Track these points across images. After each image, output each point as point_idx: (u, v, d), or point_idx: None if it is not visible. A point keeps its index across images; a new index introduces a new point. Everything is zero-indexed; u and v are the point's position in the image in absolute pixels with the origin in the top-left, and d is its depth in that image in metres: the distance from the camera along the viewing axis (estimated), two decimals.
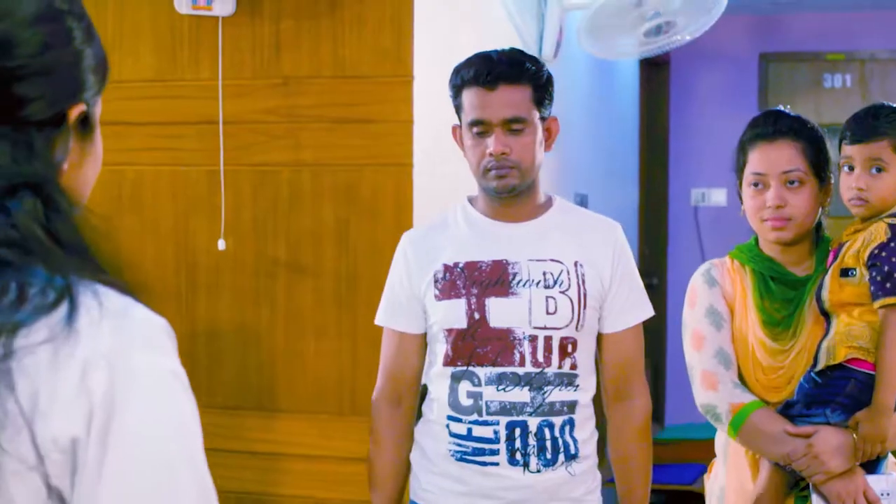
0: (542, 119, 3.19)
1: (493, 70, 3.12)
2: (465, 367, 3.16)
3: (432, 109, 4.15)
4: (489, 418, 3.14)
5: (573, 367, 3.16)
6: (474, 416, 3.16)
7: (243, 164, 4.29)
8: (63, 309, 1.33)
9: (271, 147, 4.27)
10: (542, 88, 3.17)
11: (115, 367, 1.33)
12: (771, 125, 3.22)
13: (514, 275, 3.15)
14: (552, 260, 3.18)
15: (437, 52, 4.26)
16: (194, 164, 4.35)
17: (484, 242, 3.21)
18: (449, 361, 3.18)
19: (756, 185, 3.22)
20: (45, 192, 1.39)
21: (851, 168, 3.14)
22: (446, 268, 3.20)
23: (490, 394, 3.13)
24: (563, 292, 3.15)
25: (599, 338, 3.27)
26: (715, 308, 3.27)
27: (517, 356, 3.12)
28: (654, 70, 8.79)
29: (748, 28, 8.86)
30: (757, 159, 3.22)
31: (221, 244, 4.25)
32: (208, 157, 4.31)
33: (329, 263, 4.22)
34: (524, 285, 3.15)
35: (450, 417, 3.20)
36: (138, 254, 4.40)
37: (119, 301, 1.40)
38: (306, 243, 4.25)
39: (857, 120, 3.15)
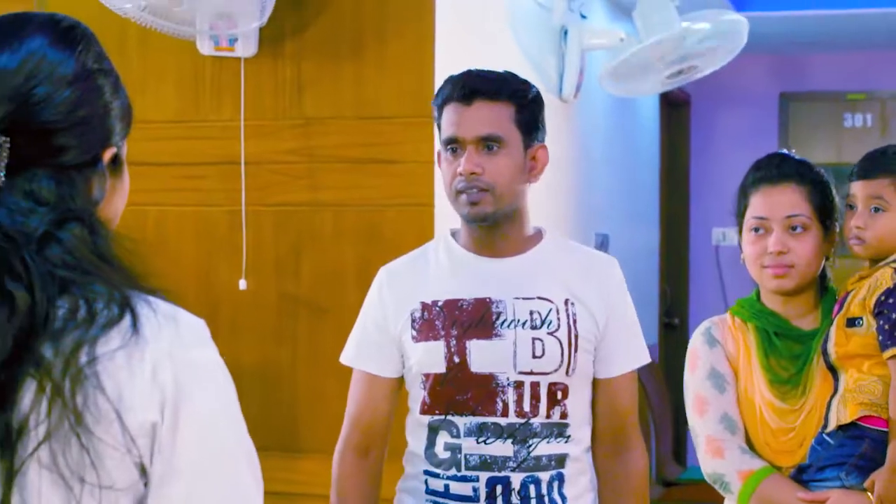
0: (528, 145, 2.90)
1: (468, 84, 2.88)
2: (442, 417, 2.87)
3: None
4: (468, 473, 2.85)
5: (563, 416, 2.87)
6: (452, 471, 2.87)
7: (265, 204, 4.31)
8: (128, 319, 1.63)
9: (293, 187, 4.28)
10: (525, 109, 2.90)
11: (178, 362, 1.65)
12: (775, 168, 3.08)
13: (498, 314, 2.86)
14: (540, 298, 2.88)
15: None
16: (216, 204, 4.37)
17: (465, 279, 2.92)
18: (426, 409, 2.90)
19: (757, 230, 3.06)
20: (89, 222, 1.66)
21: (853, 207, 3.03)
22: (424, 306, 2.91)
23: (469, 446, 2.84)
24: (551, 333, 2.86)
25: (593, 384, 2.97)
26: (717, 370, 3.07)
27: (499, 405, 2.83)
28: (675, 109, 8.80)
29: (769, 68, 8.87)
30: (759, 203, 3.06)
31: (243, 284, 4.26)
32: (230, 197, 4.32)
33: (351, 304, 4.22)
34: (509, 326, 2.86)
35: (427, 472, 2.93)
36: (161, 293, 4.41)
37: (166, 307, 1.72)
38: (328, 283, 4.25)
39: (865, 157, 3.06)
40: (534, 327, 2.86)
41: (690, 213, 9.03)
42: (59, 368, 1.55)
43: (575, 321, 2.88)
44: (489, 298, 2.88)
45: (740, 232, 3.15)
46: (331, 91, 4.24)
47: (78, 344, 1.57)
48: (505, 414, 2.83)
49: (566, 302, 2.89)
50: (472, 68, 2.97)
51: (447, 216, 4.13)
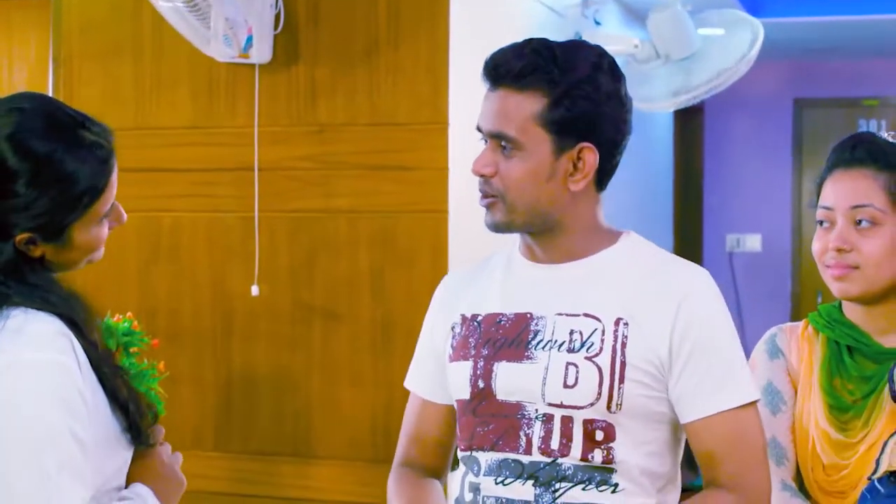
0: (563, 148, 2.30)
1: (496, 63, 2.35)
2: (468, 452, 2.39)
3: (468, 156, 4.13)
4: None
5: (607, 461, 2.28)
6: None
7: (278, 210, 4.31)
8: None
9: (306, 194, 4.28)
10: (565, 102, 2.28)
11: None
12: (849, 150, 2.54)
13: (536, 333, 2.34)
14: (586, 315, 2.32)
15: (472, 99, 4.25)
16: (230, 210, 4.37)
17: (511, 290, 2.42)
18: (459, 443, 2.44)
19: (822, 223, 2.55)
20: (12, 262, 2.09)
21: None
22: (463, 320, 2.45)
23: (487, 487, 2.35)
24: (590, 358, 2.29)
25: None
26: (774, 386, 2.59)
27: (522, 440, 2.32)
28: (689, 116, 8.79)
29: (782, 74, 8.85)
30: (827, 190, 2.54)
31: (255, 290, 4.26)
32: (244, 203, 4.32)
33: (364, 310, 4.22)
34: (543, 347, 2.32)
35: None
36: (174, 299, 4.41)
37: (20, 322, 2.02)
38: (341, 290, 4.25)
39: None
40: (571, 350, 2.31)
41: (704, 220, 9.02)
42: None
43: (623, 345, 2.29)
44: (530, 314, 2.36)
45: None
46: (345, 98, 4.24)
47: None
48: (528, 451, 2.32)
49: (617, 321, 2.31)
50: (522, 41, 2.37)
51: (462, 223, 4.13)
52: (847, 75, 8.81)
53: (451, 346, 2.45)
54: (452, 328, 2.47)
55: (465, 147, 4.16)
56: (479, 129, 2.39)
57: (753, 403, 2.32)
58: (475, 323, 2.42)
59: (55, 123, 2.06)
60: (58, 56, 4.57)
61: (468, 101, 4.23)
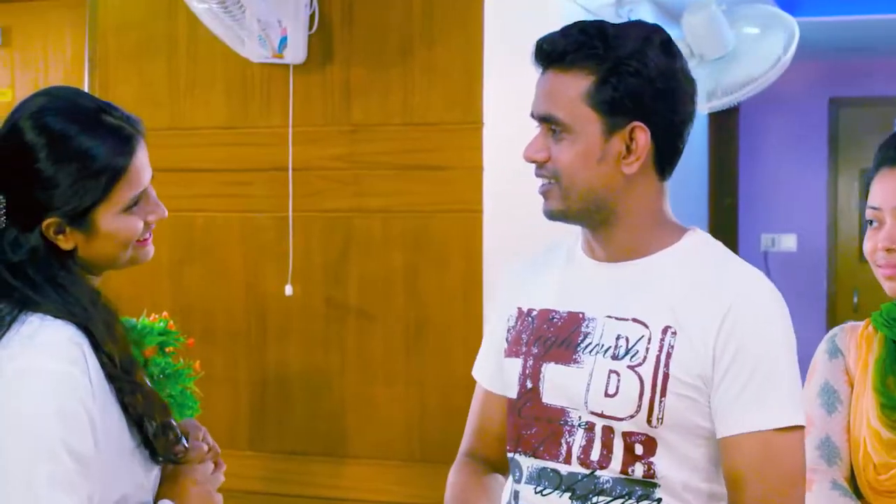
0: (613, 128, 2.18)
1: (543, 45, 2.23)
2: (512, 454, 2.31)
3: (502, 155, 4.15)
4: None
5: (649, 475, 2.16)
6: None
7: (312, 210, 4.31)
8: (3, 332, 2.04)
9: (340, 193, 4.29)
10: (612, 80, 2.17)
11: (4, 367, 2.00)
12: (892, 149, 2.48)
13: (585, 335, 2.23)
14: (634, 320, 2.19)
15: (506, 98, 4.26)
16: (264, 210, 4.38)
17: (566, 285, 2.31)
18: (507, 443, 2.35)
19: (871, 222, 2.49)
20: (32, 263, 2.11)
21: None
22: (520, 314, 2.35)
23: (526, 496, 2.26)
24: (632, 367, 2.16)
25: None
26: (831, 386, 2.53)
27: (563, 448, 2.21)
28: (723, 116, 8.74)
29: (818, 73, 8.81)
30: (874, 189, 2.48)
31: (289, 289, 4.26)
32: (278, 203, 4.33)
33: (398, 310, 4.22)
34: (591, 351, 2.21)
35: None
36: (208, 299, 4.43)
37: (34, 329, 2.02)
38: (375, 289, 4.25)
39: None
40: (615, 357, 2.18)
41: (739, 220, 8.98)
42: None
43: (669, 355, 2.15)
44: (582, 314, 2.25)
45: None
46: (379, 97, 4.25)
47: None
48: (567, 461, 2.21)
49: (665, 330, 2.17)
50: (583, 19, 2.27)
51: (496, 222, 4.13)
52: (883, 74, 8.75)
53: (507, 339, 2.36)
54: (508, 320, 2.37)
55: (499, 146, 4.16)
56: (532, 116, 2.26)
57: (796, 428, 2.14)
58: (529, 318, 2.32)
59: (76, 105, 2.09)
60: (93, 56, 4.59)
61: (502, 100, 4.23)
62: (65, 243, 2.08)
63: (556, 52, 2.20)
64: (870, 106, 8.85)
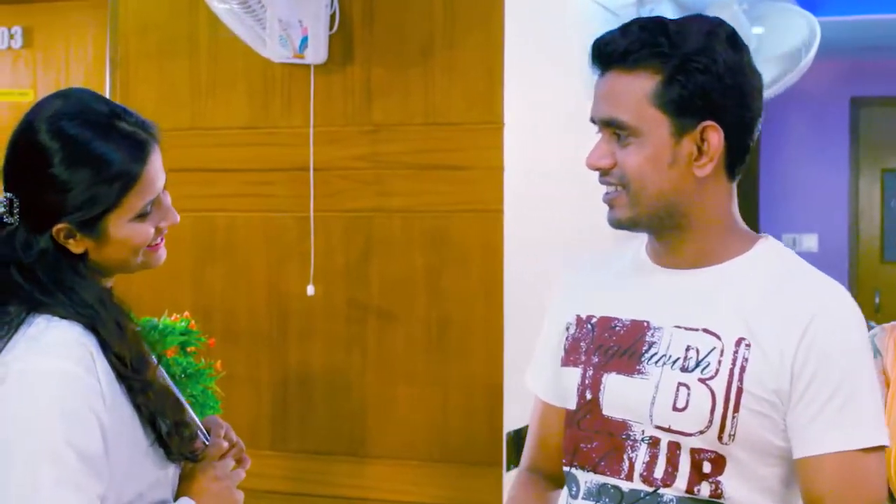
0: (683, 129, 2.08)
1: (602, 45, 2.12)
2: (569, 467, 2.22)
3: (523, 155, 4.15)
4: None
5: (716, 495, 2.06)
6: None
7: (334, 210, 4.32)
8: (11, 334, 2.04)
9: (361, 193, 4.29)
10: (680, 78, 2.06)
11: (10, 367, 2.01)
12: None
13: (651, 345, 2.13)
14: (705, 331, 2.09)
15: (527, 98, 4.26)
16: (285, 210, 4.38)
17: (630, 292, 2.22)
18: (564, 456, 2.25)
19: None
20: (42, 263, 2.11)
21: None
22: (578, 321, 2.26)
23: None
24: (704, 381, 2.05)
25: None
26: None
27: (625, 464, 2.11)
28: None
29: (839, 72, 8.79)
30: None
31: (310, 289, 4.27)
32: (299, 203, 4.34)
33: (419, 310, 4.23)
34: (657, 362, 2.11)
35: None
36: (230, 299, 4.43)
37: (40, 330, 2.03)
38: (396, 290, 4.25)
39: None
40: (685, 369, 2.08)
41: (760, 219, 8.96)
42: None
43: (743, 369, 2.05)
44: (647, 323, 2.15)
45: None
46: (400, 97, 4.25)
47: None
48: (629, 477, 2.11)
49: (738, 341, 2.06)
50: (642, 16, 2.17)
51: (517, 223, 4.12)
52: None
53: (564, 347, 2.26)
54: (567, 328, 2.27)
55: (520, 146, 4.16)
56: (592, 121, 2.16)
57: (879, 449, 2.05)
58: (589, 325, 2.22)
59: (91, 110, 2.08)
60: (115, 56, 4.60)
61: (523, 100, 4.23)
62: (75, 247, 2.09)
63: (617, 51, 2.09)
64: (891, 105, 8.83)
